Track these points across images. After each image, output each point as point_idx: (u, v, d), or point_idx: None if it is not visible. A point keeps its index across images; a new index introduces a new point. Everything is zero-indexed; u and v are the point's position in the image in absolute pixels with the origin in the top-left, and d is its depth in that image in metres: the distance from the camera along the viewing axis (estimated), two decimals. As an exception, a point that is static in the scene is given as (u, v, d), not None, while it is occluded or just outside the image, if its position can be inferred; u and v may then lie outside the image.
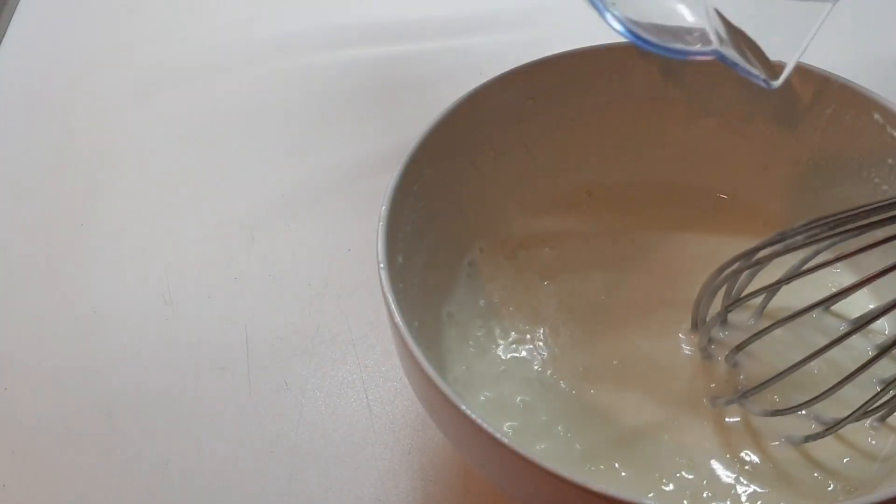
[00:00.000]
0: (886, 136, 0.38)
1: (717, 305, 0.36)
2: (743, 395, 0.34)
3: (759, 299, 0.36)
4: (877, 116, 0.38)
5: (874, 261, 0.32)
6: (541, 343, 0.38)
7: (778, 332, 0.33)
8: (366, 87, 0.60)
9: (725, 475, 0.33)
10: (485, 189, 0.42)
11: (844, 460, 0.33)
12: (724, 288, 0.35)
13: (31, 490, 0.39)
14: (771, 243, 0.34)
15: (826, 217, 0.33)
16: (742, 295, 0.35)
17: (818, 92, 0.40)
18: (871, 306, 0.36)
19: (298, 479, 0.38)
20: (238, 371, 0.43)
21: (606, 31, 0.35)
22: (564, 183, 0.43)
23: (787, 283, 0.33)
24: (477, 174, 0.41)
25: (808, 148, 0.41)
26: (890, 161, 0.38)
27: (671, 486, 0.33)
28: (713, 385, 0.36)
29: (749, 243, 0.35)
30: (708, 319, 0.36)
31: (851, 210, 0.32)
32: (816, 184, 0.41)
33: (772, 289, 0.34)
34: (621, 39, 0.35)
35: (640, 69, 0.41)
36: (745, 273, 0.34)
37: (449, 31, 0.64)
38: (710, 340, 0.37)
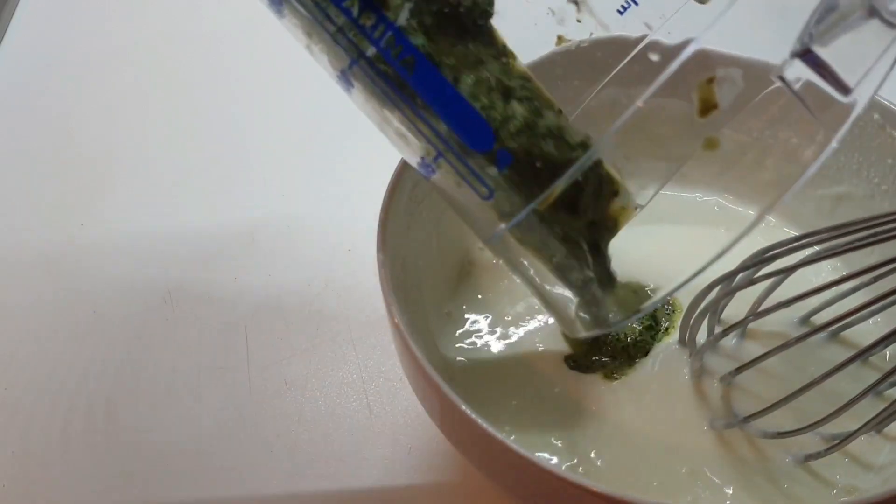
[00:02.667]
0: (886, 135, 0.38)
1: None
2: (744, 420, 0.33)
3: (749, 308, 0.36)
4: (876, 116, 0.38)
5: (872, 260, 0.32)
6: (540, 341, 0.38)
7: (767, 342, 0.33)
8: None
9: (722, 478, 0.33)
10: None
11: (841, 469, 0.33)
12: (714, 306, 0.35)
13: (31, 490, 0.39)
14: (757, 261, 0.33)
15: (818, 231, 0.33)
16: (739, 320, 0.34)
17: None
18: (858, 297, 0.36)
19: (298, 478, 0.38)
20: (238, 371, 0.43)
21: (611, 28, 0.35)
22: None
23: (788, 306, 0.32)
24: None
25: (807, 148, 0.41)
26: (889, 161, 0.38)
27: (668, 486, 0.33)
28: (711, 405, 0.35)
29: (747, 251, 0.34)
30: (699, 344, 0.35)
31: (843, 226, 0.32)
32: (817, 183, 0.41)
33: (767, 311, 0.33)
34: (623, 34, 0.34)
35: (639, 68, 0.41)
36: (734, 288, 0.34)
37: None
38: (703, 364, 0.36)
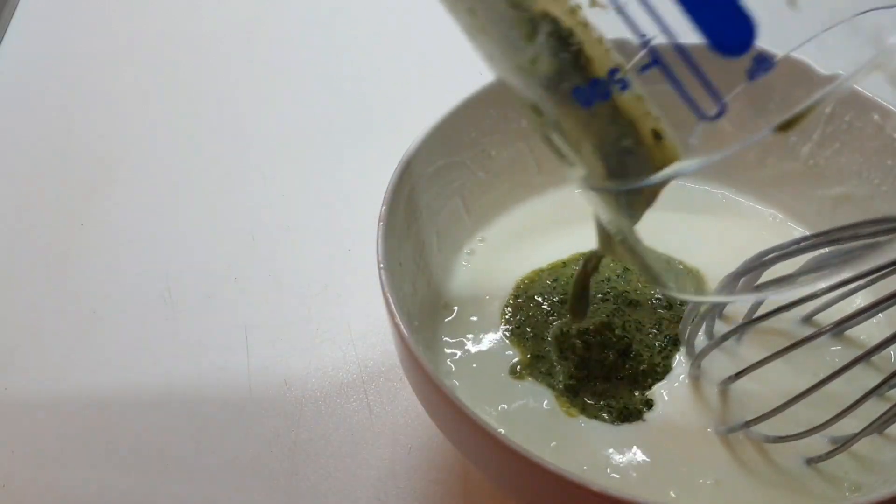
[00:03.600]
0: (885, 136, 0.38)
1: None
2: (746, 424, 0.33)
3: (749, 309, 0.36)
4: (876, 117, 0.38)
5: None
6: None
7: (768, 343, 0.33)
8: (367, 88, 0.60)
9: (730, 481, 0.33)
10: (487, 184, 0.42)
11: (841, 470, 0.33)
12: (713, 309, 0.35)
13: (31, 490, 0.39)
14: (757, 264, 0.33)
15: (818, 234, 0.33)
16: (739, 325, 0.34)
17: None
18: (859, 301, 0.36)
19: (298, 478, 0.38)
20: (238, 371, 0.43)
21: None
22: (568, 177, 0.43)
23: (789, 310, 0.32)
24: (478, 171, 0.42)
25: (808, 147, 0.41)
26: (889, 162, 0.38)
27: (675, 489, 0.33)
28: (712, 409, 0.35)
29: (750, 243, 0.34)
30: (698, 350, 0.35)
31: (845, 228, 0.32)
32: (817, 183, 0.41)
33: (767, 315, 0.33)
34: (620, 36, 0.34)
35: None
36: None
37: (449, 33, 0.64)
38: (703, 368, 0.36)
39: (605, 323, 0.36)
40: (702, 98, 0.24)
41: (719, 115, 0.24)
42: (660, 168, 0.26)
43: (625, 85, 0.25)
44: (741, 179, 0.43)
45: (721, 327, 0.37)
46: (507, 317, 0.38)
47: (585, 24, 0.25)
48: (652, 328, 0.37)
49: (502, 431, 0.28)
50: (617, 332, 0.36)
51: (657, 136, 0.27)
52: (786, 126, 0.24)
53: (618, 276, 0.40)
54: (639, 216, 0.29)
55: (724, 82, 0.24)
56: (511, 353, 0.37)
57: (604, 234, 0.32)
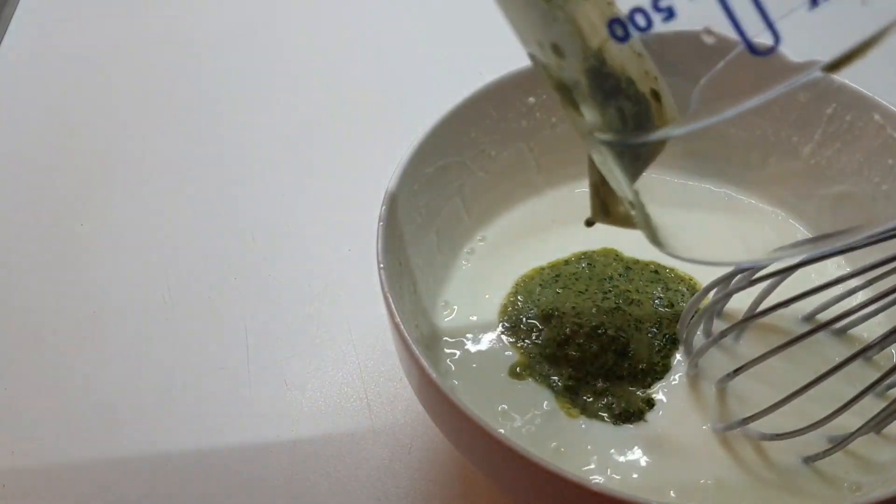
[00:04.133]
0: (886, 136, 0.38)
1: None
2: (743, 422, 0.33)
3: (748, 307, 0.35)
4: (877, 117, 0.38)
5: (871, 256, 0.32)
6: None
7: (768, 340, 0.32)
8: (367, 88, 0.60)
9: (732, 481, 0.33)
10: (487, 185, 0.42)
11: (841, 470, 0.33)
12: (711, 308, 0.35)
13: (31, 490, 0.39)
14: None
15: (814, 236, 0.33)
16: (736, 322, 0.34)
17: (818, 91, 0.40)
18: (859, 301, 0.36)
19: (298, 478, 0.38)
20: (238, 371, 0.43)
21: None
22: (567, 176, 0.43)
23: (787, 306, 0.32)
24: (478, 171, 0.41)
25: (809, 147, 0.41)
26: (890, 161, 0.38)
27: (677, 489, 0.33)
28: (709, 408, 0.35)
29: (753, 240, 0.34)
30: (696, 347, 0.35)
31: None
32: (818, 182, 0.41)
33: (764, 312, 0.33)
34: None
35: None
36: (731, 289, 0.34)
37: (449, 33, 0.64)
38: (700, 366, 0.36)
39: (594, 327, 0.36)
40: (754, 26, 0.21)
41: (772, 49, 0.21)
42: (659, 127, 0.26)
43: (670, 14, 0.22)
44: (744, 178, 0.43)
45: (719, 326, 0.37)
46: (506, 316, 0.38)
47: None
48: (652, 327, 0.37)
49: (502, 431, 0.28)
50: (610, 332, 0.36)
51: (655, 96, 0.26)
52: (835, 66, 0.22)
53: (619, 276, 0.40)
54: (640, 173, 0.28)
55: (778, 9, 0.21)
56: (511, 353, 0.37)
57: (597, 201, 0.32)
